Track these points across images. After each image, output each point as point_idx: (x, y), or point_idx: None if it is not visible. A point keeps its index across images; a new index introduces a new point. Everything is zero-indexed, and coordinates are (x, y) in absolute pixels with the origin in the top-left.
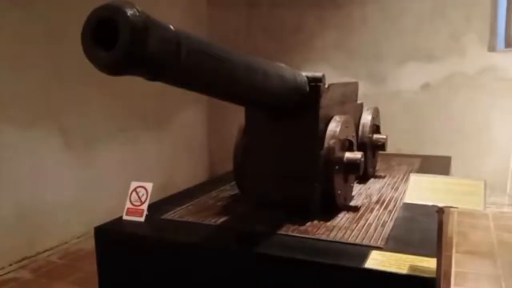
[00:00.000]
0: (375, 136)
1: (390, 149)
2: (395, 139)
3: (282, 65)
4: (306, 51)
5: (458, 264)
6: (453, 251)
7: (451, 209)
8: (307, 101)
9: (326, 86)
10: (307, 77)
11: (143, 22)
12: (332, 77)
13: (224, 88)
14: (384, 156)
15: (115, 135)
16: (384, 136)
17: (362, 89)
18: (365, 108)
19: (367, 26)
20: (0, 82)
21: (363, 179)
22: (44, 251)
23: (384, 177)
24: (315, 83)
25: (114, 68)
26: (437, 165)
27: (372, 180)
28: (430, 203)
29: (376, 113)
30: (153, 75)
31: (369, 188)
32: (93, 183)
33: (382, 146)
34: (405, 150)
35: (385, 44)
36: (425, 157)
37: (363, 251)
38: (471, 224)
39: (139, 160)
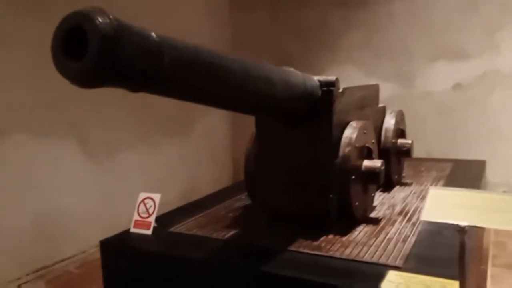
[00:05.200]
0: (400, 141)
1: (420, 153)
2: (426, 142)
3: (291, 69)
4: (331, 52)
5: (495, 279)
6: (489, 264)
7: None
8: (320, 106)
9: (341, 90)
10: (319, 81)
11: (115, 30)
12: (358, 78)
13: (219, 97)
14: (413, 161)
15: (136, 142)
16: (410, 141)
17: (390, 90)
18: (388, 112)
19: (394, 23)
20: (20, 92)
21: (387, 187)
22: (62, 261)
23: (410, 184)
24: (327, 87)
25: (84, 79)
26: (470, 170)
27: (397, 188)
28: (451, 222)
29: (400, 117)
30: (134, 86)
31: (393, 197)
32: (114, 191)
33: (407, 151)
34: (436, 154)
35: (413, 42)
36: (457, 162)
37: (380, 271)
38: (510, 234)
39: (162, 167)
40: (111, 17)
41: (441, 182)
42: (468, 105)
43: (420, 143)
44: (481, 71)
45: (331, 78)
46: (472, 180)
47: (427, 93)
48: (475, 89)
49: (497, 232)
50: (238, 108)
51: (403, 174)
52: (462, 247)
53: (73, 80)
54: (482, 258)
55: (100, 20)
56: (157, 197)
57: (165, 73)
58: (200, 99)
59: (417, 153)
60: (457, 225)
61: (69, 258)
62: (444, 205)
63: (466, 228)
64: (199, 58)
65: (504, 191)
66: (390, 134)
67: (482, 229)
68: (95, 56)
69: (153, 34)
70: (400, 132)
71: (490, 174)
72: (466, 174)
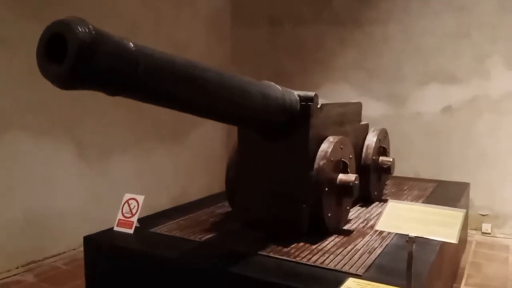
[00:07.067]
0: (381, 158)
1: (407, 172)
2: (414, 162)
3: (271, 83)
4: (326, 70)
5: None
6: (463, 283)
7: (468, 238)
8: (298, 120)
9: (319, 105)
10: (299, 96)
11: (92, 38)
12: (352, 96)
13: (194, 104)
14: (398, 179)
15: (130, 147)
16: (390, 159)
17: (381, 110)
18: (370, 129)
19: (388, 46)
20: (17, 91)
21: (367, 203)
22: (52, 257)
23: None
24: (306, 102)
25: (62, 81)
26: (451, 191)
27: (376, 204)
28: (401, 232)
29: (383, 135)
30: (110, 90)
31: (369, 212)
32: (105, 193)
33: (388, 169)
34: (423, 174)
35: (406, 65)
36: (441, 183)
37: (340, 277)
38: (488, 256)
39: (154, 172)
40: (90, 27)
41: (421, 201)
42: (456, 128)
43: (407, 162)
44: (470, 96)
45: (310, 93)
46: (451, 200)
47: (417, 114)
48: (464, 113)
49: (476, 253)
50: (214, 117)
51: (385, 191)
52: (410, 256)
53: (52, 82)
54: (457, 277)
55: (79, 29)
56: (140, 198)
57: (139, 79)
58: (175, 105)
59: (403, 172)
60: (407, 235)
61: (58, 254)
62: (398, 217)
63: (414, 238)
64: (174, 66)
65: (486, 214)
66: (371, 151)
67: (459, 247)
68: (73, 61)
69: (131, 44)
70: (382, 150)
71: (474, 197)
72: (446, 194)
